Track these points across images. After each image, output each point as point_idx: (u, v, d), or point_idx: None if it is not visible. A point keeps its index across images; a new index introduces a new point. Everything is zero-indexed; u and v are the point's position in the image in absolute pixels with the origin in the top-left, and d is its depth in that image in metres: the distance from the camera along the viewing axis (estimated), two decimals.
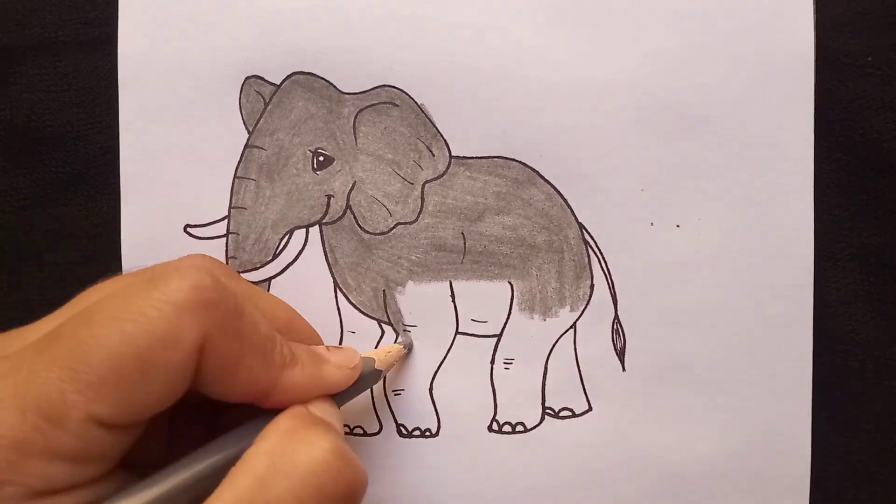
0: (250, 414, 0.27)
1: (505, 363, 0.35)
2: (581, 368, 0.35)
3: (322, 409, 0.27)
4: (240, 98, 0.34)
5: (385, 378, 0.35)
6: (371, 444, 0.35)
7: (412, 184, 0.34)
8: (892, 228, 0.34)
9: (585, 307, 0.35)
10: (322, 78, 0.34)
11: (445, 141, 0.34)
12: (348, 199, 0.35)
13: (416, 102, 0.34)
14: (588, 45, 0.34)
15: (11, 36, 0.35)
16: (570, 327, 0.35)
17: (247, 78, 0.34)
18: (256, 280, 0.35)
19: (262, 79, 0.34)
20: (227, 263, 0.34)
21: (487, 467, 0.34)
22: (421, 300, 0.35)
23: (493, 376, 0.35)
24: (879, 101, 0.34)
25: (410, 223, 0.35)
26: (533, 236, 0.34)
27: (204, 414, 0.28)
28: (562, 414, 0.35)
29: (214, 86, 0.34)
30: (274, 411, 0.26)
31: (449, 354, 0.35)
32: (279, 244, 0.35)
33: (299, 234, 0.35)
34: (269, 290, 0.35)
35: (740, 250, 0.34)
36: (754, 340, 0.34)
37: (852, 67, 0.34)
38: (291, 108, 0.34)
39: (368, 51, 0.34)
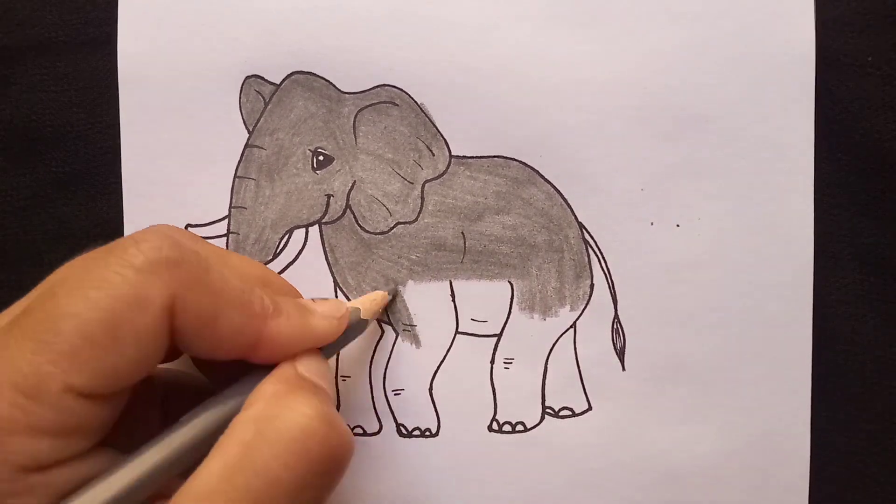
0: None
1: (505, 363, 0.35)
2: (581, 368, 0.35)
3: (310, 367, 0.27)
4: (240, 98, 0.34)
5: (385, 378, 0.35)
6: (371, 444, 0.35)
7: (412, 183, 0.34)
8: (892, 228, 0.34)
9: (585, 307, 0.35)
10: (322, 77, 0.34)
11: (445, 140, 0.34)
12: (348, 199, 0.35)
13: (416, 102, 0.34)
14: (588, 45, 0.34)
15: (11, 36, 0.35)
16: (570, 327, 0.35)
17: (247, 78, 0.34)
18: None
19: (262, 78, 0.34)
20: None
21: (487, 467, 0.35)
22: (421, 300, 0.35)
23: (493, 376, 0.35)
24: (879, 101, 0.34)
25: (410, 223, 0.35)
26: (533, 236, 0.34)
27: (202, 397, 0.28)
28: (562, 413, 0.35)
29: (214, 86, 0.34)
30: (265, 368, 0.27)
31: (449, 354, 0.35)
32: (279, 244, 0.35)
33: (299, 234, 0.35)
34: None
35: (740, 250, 0.34)
36: (754, 340, 0.34)
37: (852, 67, 0.34)
38: (291, 108, 0.34)
39: (368, 51, 0.34)
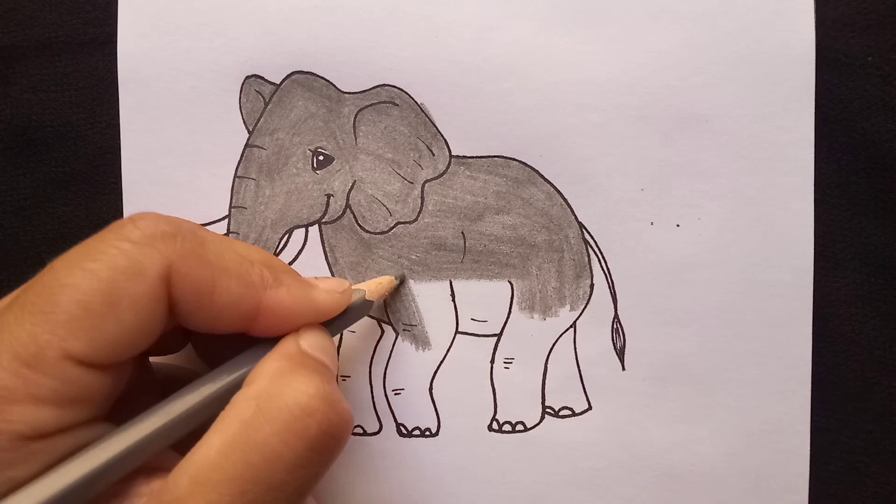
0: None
1: (505, 362, 0.35)
2: (581, 368, 0.35)
3: (314, 342, 0.27)
4: (240, 98, 0.34)
5: (385, 378, 0.35)
6: (371, 443, 0.35)
7: (412, 183, 0.34)
8: (892, 228, 0.34)
9: (585, 306, 0.35)
10: (322, 77, 0.34)
11: (445, 140, 0.34)
12: (348, 199, 0.35)
13: (416, 102, 0.34)
14: (588, 45, 0.34)
15: (11, 36, 0.35)
16: (570, 327, 0.35)
17: (247, 77, 0.34)
18: None
19: (262, 78, 0.34)
20: None
21: (487, 467, 0.35)
22: (421, 300, 0.35)
23: (493, 376, 0.35)
24: (879, 101, 0.34)
25: (410, 222, 0.35)
26: (533, 236, 0.34)
27: None
28: (562, 413, 0.35)
29: (214, 86, 0.34)
30: (268, 343, 0.27)
31: (449, 354, 0.35)
32: (279, 243, 0.35)
33: (299, 234, 0.35)
34: None
35: (740, 250, 0.34)
36: (754, 340, 0.34)
37: (852, 67, 0.34)
38: (291, 108, 0.34)
39: (368, 51, 0.34)
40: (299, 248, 0.35)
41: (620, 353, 0.34)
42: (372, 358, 0.35)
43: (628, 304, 0.34)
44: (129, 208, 0.35)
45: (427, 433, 0.35)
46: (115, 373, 0.24)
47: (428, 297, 0.35)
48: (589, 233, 0.34)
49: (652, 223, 0.34)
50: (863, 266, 0.34)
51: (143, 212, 0.26)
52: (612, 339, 0.34)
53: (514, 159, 0.34)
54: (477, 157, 0.34)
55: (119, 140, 0.35)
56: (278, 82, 0.34)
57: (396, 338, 0.35)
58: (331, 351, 0.28)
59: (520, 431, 0.35)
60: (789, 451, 0.34)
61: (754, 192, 0.34)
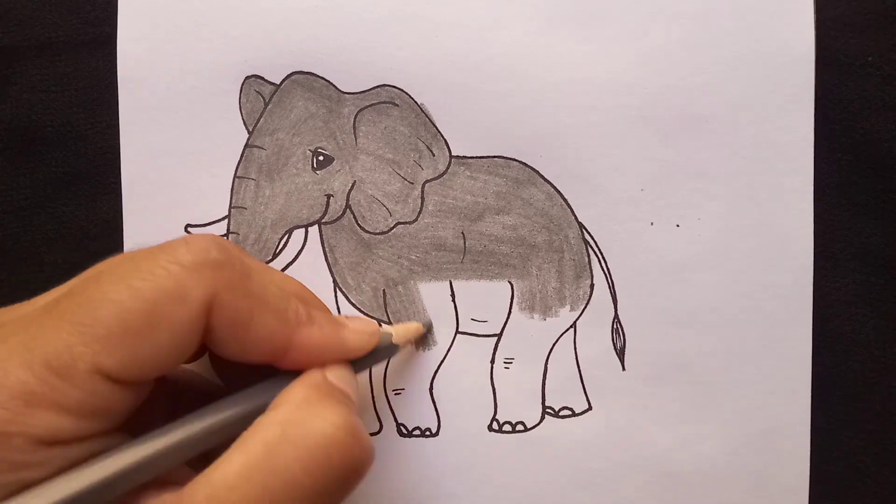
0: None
1: (505, 363, 0.35)
2: (581, 368, 0.35)
3: (339, 375, 0.28)
4: (240, 98, 0.34)
5: (385, 378, 0.35)
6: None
7: (412, 183, 0.34)
8: (892, 228, 0.34)
9: (585, 307, 0.35)
10: (322, 77, 0.34)
11: (445, 140, 0.34)
12: (348, 199, 0.35)
13: (416, 102, 0.34)
14: (588, 45, 0.34)
15: (11, 36, 0.35)
16: (570, 327, 0.35)
17: (247, 78, 0.34)
18: None
19: (262, 78, 0.34)
20: None
21: (487, 467, 0.35)
22: (421, 300, 0.35)
23: (493, 376, 0.35)
24: (879, 101, 0.34)
25: (410, 223, 0.35)
26: (533, 236, 0.34)
27: (211, 399, 0.29)
28: (562, 413, 0.35)
29: (214, 86, 0.34)
30: (291, 374, 0.27)
31: (449, 354, 0.35)
32: (279, 244, 0.35)
33: (299, 234, 0.35)
34: None
35: (740, 250, 0.34)
36: (754, 340, 0.34)
37: (852, 67, 0.34)
38: (291, 108, 0.34)
39: (368, 51, 0.34)
40: (299, 248, 0.35)
41: (620, 354, 0.34)
42: None
43: (628, 305, 0.34)
44: (128, 208, 0.35)
45: (427, 433, 0.35)
46: (140, 388, 0.24)
47: (428, 297, 0.35)
48: (589, 233, 0.34)
49: (652, 223, 0.34)
50: (863, 266, 0.34)
51: (199, 234, 0.26)
52: (612, 340, 0.34)
53: (514, 159, 0.34)
54: (477, 157, 0.34)
55: (119, 140, 0.35)
56: (278, 82, 0.34)
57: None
58: (354, 386, 0.28)
59: (520, 431, 0.35)
60: (789, 451, 0.34)
61: (754, 192, 0.34)
